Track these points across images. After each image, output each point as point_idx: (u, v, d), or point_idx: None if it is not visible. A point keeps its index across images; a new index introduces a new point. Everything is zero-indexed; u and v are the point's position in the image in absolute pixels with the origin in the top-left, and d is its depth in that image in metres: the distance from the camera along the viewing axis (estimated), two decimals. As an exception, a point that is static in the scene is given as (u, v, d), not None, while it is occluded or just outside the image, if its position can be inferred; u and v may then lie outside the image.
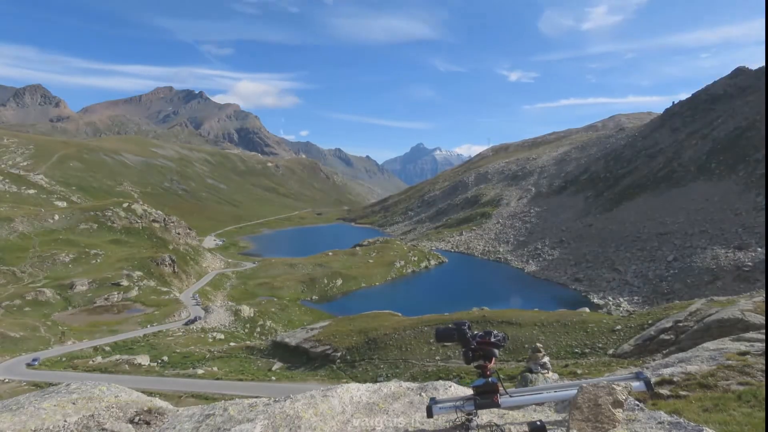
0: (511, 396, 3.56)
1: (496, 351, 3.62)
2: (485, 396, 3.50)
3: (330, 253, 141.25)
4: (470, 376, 37.94)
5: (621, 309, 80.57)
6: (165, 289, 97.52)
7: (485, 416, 4.03)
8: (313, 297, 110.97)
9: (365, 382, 5.35)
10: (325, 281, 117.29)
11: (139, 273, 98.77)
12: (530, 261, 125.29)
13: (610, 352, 37.76)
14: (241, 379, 49.11)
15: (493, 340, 3.62)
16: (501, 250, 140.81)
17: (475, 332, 3.70)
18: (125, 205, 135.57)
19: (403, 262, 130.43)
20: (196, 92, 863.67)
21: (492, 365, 3.60)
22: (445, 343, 4.31)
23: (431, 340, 51.78)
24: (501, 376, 3.66)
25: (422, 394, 4.64)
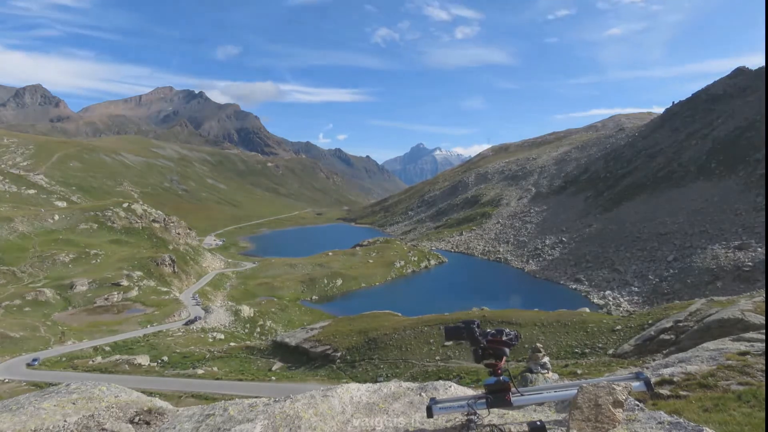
0: (522, 395, 3.54)
1: (507, 350, 3.60)
2: (497, 395, 3.49)
3: (330, 253, 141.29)
4: (470, 376, 37.93)
5: (621, 309, 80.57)
6: (165, 289, 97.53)
7: (485, 416, 4.03)
8: (313, 297, 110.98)
9: (365, 382, 5.35)
10: (325, 281, 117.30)
11: (139, 273, 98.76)
12: (530, 261, 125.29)
13: (610, 352, 37.76)
14: (241, 379, 49.10)
15: (504, 338, 3.59)
16: (501, 250, 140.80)
17: (488, 330, 3.67)
18: (125, 205, 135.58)
19: (403, 262, 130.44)
20: (196, 92, 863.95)
21: (503, 364, 3.59)
22: (455, 342, 4.31)
23: (431, 340, 51.79)
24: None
25: (422, 394, 4.64)
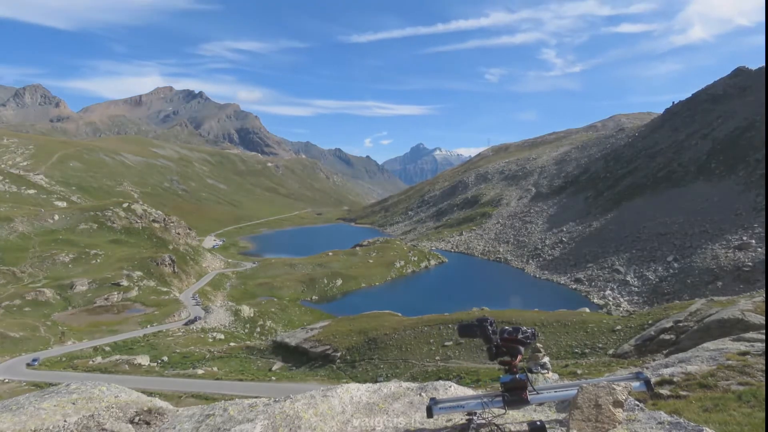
0: (539, 393, 3.54)
1: (522, 348, 3.59)
2: (514, 392, 3.48)
3: (330, 253, 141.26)
4: (470, 376, 37.91)
5: (621, 309, 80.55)
6: (165, 289, 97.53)
7: (485, 416, 4.03)
8: (313, 297, 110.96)
9: (365, 382, 5.35)
10: (325, 281, 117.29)
11: (139, 273, 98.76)
12: (530, 261, 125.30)
13: (610, 352, 37.75)
14: (241, 379, 49.09)
15: (520, 336, 3.59)
16: (501, 250, 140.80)
17: (505, 327, 3.66)
18: (125, 205, 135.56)
19: (403, 262, 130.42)
20: (196, 92, 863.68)
21: (518, 362, 3.57)
22: (468, 339, 4.30)
23: (431, 340, 51.80)
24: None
25: (422, 394, 4.64)
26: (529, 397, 3.48)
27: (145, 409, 4.76)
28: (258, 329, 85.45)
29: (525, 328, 3.65)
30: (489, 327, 3.60)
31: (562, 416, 3.90)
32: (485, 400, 3.58)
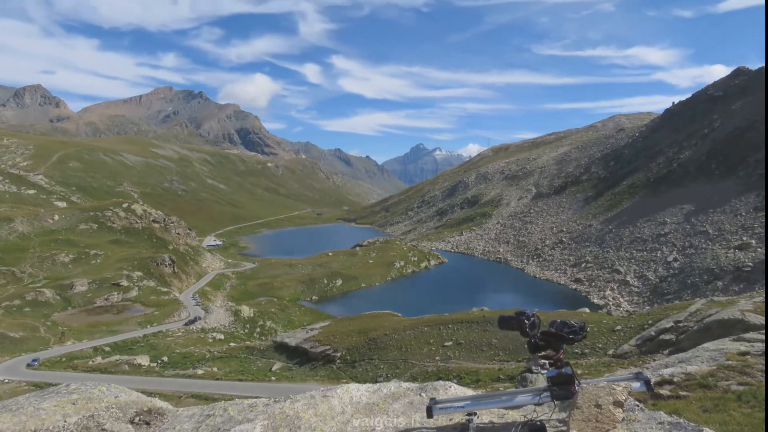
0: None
1: (563, 344, 3.56)
2: (563, 387, 3.45)
3: (330, 253, 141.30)
4: (470, 377, 37.91)
5: (621, 309, 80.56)
6: (165, 290, 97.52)
7: (485, 416, 4.03)
8: (313, 297, 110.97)
9: (365, 382, 5.35)
10: (325, 281, 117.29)
11: (139, 273, 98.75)
12: (530, 261, 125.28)
13: (610, 352, 37.73)
14: (241, 380, 49.07)
15: (565, 331, 3.51)
16: (501, 250, 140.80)
17: (556, 320, 3.61)
18: (125, 205, 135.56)
19: (403, 262, 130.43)
20: (196, 92, 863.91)
21: (561, 356, 3.54)
22: (507, 331, 4.26)
23: (431, 341, 51.84)
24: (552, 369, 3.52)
25: (422, 394, 4.64)
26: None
27: (145, 409, 4.76)
28: (258, 329, 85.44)
29: (573, 322, 3.59)
30: (526, 321, 3.58)
31: (563, 416, 3.90)
32: (535, 393, 3.52)
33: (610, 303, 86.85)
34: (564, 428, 3.58)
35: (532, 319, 3.59)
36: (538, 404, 3.56)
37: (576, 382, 3.46)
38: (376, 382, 7.36)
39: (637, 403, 4.06)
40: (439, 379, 5.72)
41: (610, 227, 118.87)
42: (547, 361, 3.66)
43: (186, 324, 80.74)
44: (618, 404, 3.47)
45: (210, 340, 71.89)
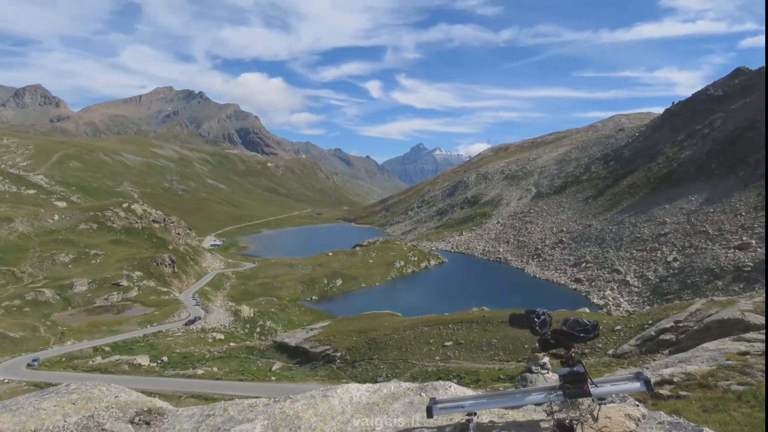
0: (597, 386, 3.52)
1: (574, 343, 3.56)
2: (576, 384, 3.45)
3: (330, 253, 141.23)
4: (470, 376, 37.90)
5: (621, 309, 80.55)
6: (165, 290, 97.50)
7: (485, 416, 4.03)
8: (313, 297, 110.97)
9: (365, 382, 5.35)
10: (325, 281, 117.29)
11: (138, 273, 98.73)
12: (530, 261, 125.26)
13: (610, 352, 37.72)
14: (241, 380, 49.06)
15: (577, 330, 3.51)
16: (501, 250, 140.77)
17: (569, 318, 3.60)
18: (125, 205, 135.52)
19: (403, 262, 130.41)
20: (196, 92, 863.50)
21: (573, 354, 3.53)
22: (518, 328, 4.22)
23: (431, 341, 51.82)
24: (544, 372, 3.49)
25: (422, 394, 4.64)
26: (591, 390, 3.46)
27: (145, 409, 4.76)
28: (258, 329, 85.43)
29: (586, 321, 3.58)
30: (536, 319, 3.58)
31: (572, 414, 3.90)
32: (548, 392, 3.53)
33: (610, 303, 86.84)
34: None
35: (542, 317, 3.59)
36: (550, 403, 3.56)
37: (588, 380, 3.46)
38: (376, 382, 7.36)
39: (637, 403, 4.06)
40: (439, 379, 5.71)
41: (610, 227, 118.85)
42: (547, 362, 3.66)
43: (186, 324, 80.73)
44: (631, 418, 3.46)
45: (210, 340, 71.88)
